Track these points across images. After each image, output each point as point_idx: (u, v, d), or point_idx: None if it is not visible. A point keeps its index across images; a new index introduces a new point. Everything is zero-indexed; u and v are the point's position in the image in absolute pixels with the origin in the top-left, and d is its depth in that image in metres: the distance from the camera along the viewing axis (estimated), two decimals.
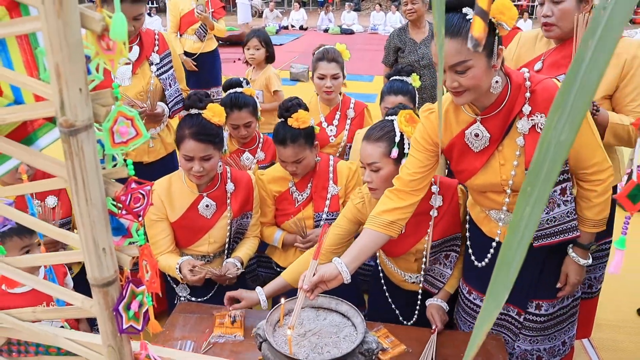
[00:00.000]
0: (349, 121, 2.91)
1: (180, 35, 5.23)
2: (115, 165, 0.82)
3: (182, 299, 2.28)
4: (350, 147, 2.88)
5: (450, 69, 1.52)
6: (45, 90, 0.72)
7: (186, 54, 5.16)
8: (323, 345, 1.65)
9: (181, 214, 2.24)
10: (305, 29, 17.69)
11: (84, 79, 0.69)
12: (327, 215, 2.42)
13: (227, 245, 2.32)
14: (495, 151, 1.71)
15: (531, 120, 1.61)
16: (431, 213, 2.04)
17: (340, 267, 1.71)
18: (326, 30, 16.88)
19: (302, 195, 2.45)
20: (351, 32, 16.45)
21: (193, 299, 2.30)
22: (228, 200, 2.31)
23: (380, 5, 18.20)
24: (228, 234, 2.30)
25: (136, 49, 2.63)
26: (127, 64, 2.60)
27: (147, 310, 0.91)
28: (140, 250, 0.86)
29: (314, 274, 1.70)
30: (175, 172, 2.32)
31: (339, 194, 2.44)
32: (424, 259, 2.09)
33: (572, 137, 0.52)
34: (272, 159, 2.80)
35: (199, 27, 5.08)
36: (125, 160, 0.81)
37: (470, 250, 2.01)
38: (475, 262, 1.94)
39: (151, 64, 2.69)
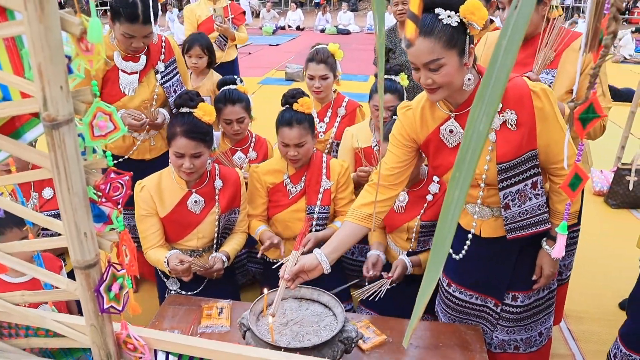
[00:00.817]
0: (338, 119, 2.99)
1: None
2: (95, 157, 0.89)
3: (173, 292, 2.35)
4: (338, 144, 2.94)
5: (424, 66, 1.58)
6: (30, 88, 0.79)
7: None
8: (304, 334, 1.72)
9: (170, 209, 2.31)
10: (302, 29, 17.77)
11: (64, 77, 0.76)
12: (319, 209, 2.50)
13: (215, 240, 2.40)
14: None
15: (502, 116, 1.68)
16: (427, 197, 2.40)
17: (320, 257, 1.80)
18: (323, 31, 16.95)
19: (295, 187, 2.52)
20: (347, 32, 16.53)
21: (183, 292, 2.36)
22: (216, 197, 2.38)
23: None
24: (216, 229, 2.38)
25: (143, 58, 2.67)
26: (134, 73, 2.65)
27: (127, 292, 0.98)
28: (120, 236, 0.93)
29: (295, 264, 1.77)
30: (165, 168, 2.39)
31: (330, 189, 2.52)
32: (413, 239, 2.42)
33: (488, 127, 0.59)
34: (263, 158, 2.86)
35: (219, 36, 4.67)
36: (104, 151, 0.88)
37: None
38: (453, 255, 2.01)
39: (157, 72, 2.74)
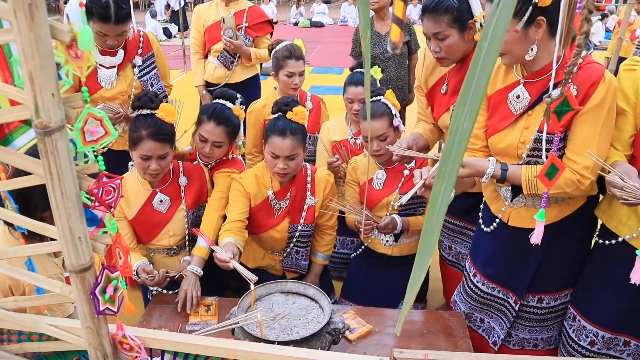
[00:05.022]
0: (307, 112, 2.99)
1: (205, 58, 3.77)
2: (87, 162, 0.90)
3: (155, 292, 2.35)
4: (310, 137, 2.95)
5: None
6: (21, 96, 0.80)
7: (208, 85, 3.76)
8: (292, 327, 1.75)
9: (137, 211, 2.29)
10: (275, 23, 17.64)
11: (55, 84, 0.77)
12: (302, 227, 2.41)
13: (187, 237, 2.39)
14: (525, 114, 1.80)
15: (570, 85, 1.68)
16: (404, 172, 2.45)
17: None
18: (296, 24, 16.90)
19: (280, 204, 2.39)
20: (321, 25, 16.51)
21: (164, 291, 2.37)
22: (182, 194, 2.37)
23: None
24: (186, 226, 2.37)
25: (121, 52, 2.71)
26: (112, 67, 2.69)
27: (122, 293, 1.00)
28: (113, 239, 0.95)
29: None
30: (128, 172, 2.38)
31: (315, 206, 2.42)
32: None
33: (471, 125, 0.62)
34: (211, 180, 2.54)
35: (224, 50, 3.63)
36: (96, 156, 0.89)
37: (480, 221, 2.14)
38: (483, 227, 2.08)
39: (134, 66, 2.78)
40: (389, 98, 2.45)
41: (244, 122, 2.63)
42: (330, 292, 2.62)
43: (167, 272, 2.20)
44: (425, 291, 2.74)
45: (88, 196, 0.89)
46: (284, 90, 2.91)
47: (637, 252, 1.08)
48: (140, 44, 2.80)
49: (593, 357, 1.91)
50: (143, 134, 2.14)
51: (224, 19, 3.51)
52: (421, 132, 2.42)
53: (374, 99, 2.45)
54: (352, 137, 2.82)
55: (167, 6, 16.50)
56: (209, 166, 2.55)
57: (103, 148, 2.83)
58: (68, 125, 0.83)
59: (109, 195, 0.91)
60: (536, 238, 1.30)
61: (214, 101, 2.50)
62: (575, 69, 1.62)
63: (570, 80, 1.63)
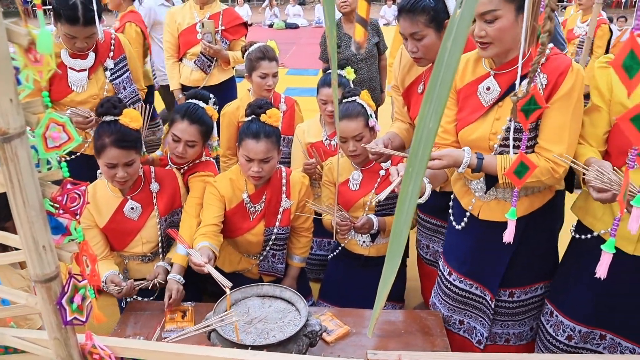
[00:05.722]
0: (281, 114, 2.98)
1: (180, 60, 3.74)
2: (50, 169, 0.88)
3: (130, 299, 2.31)
4: (284, 138, 2.95)
5: (480, 17, 1.63)
6: None
7: (184, 88, 3.70)
8: (269, 331, 1.74)
9: (108, 218, 2.25)
10: (250, 25, 17.58)
11: (13, 90, 0.75)
12: (278, 230, 2.39)
13: (160, 244, 2.35)
14: (495, 105, 1.81)
15: (535, 79, 1.69)
16: (380, 172, 2.45)
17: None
18: (271, 26, 16.86)
19: (255, 207, 2.37)
20: (296, 27, 16.50)
21: (139, 298, 2.33)
22: (154, 200, 2.32)
23: None
24: (159, 232, 2.33)
25: (92, 55, 2.67)
26: (82, 70, 2.64)
27: (90, 302, 0.98)
28: (79, 247, 0.92)
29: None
30: (98, 180, 2.34)
31: (290, 209, 2.41)
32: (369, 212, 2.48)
33: (437, 125, 0.62)
34: (185, 186, 2.50)
35: (201, 53, 3.59)
36: (59, 162, 0.87)
37: (451, 218, 2.14)
38: (454, 225, 2.08)
39: (105, 69, 2.73)
40: (365, 98, 2.45)
41: (218, 123, 2.59)
42: (308, 294, 2.62)
43: (135, 282, 2.16)
44: (402, 291, 2.75)
45: (52, 204, 0.87)
46: (258, 91, 2.90)
47: (602, 247, 1.10)
48: (112, 47, 2.75)
49: (570, 351, 1.94)
50: (107, 141, 2.09)
51: (202, 24, 3.48)
52: (397, 131, 2.44)
53: (350, 99, 2.45)
54: (326, 139, 2.82)
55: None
56: (182, 170, 2.51)
57: (73, 154, 2.77)
58: (29, 132, 0.81)
59: (74, 202, 0.88)
60: (508, 237, 1.31)
61: (187, 101, 2.49)
62: (539, 66, 1.64)
63: (539, 71, 1.66)
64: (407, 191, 0.66)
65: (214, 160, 2.64)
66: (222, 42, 3.60)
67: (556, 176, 1.72)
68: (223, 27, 3.61)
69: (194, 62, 3.62)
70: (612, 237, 1.06)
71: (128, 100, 2.78)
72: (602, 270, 1.10)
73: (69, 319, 0.92)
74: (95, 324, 1.01)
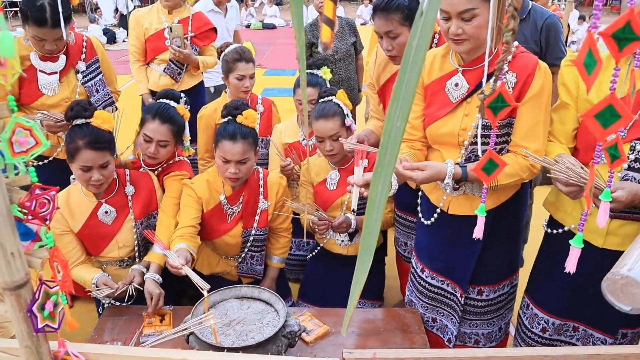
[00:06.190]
0: (258, 115, 2.98)
1: (147, 65, 3.56)
2: (18, 174, 0.86)
3: (106, 304, 2.28)
4: (262, 140, 2.96)
5: (458, 15, 1.62)
6: None
7: (152, 93, 3.45)
8: (248, 332, 1.73)
9: (82, 223, 2.21)
10: None
11: None
12: (256, 231, 2.38)
13: (137, 248, 2.32)
14: (464, 102, 1.83)
15: (503, 77, 1.71)
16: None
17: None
18: (248, 26, 16.80)
19: (233, 209, 2.36)
20: (273, 27, 16.48)
21: (117, 303, 2.30)
22: (129, 204, 2.29)
23: None
24: (135, 236, 2.30)
25: (63, 57, 2.62)
26: (53, 73, 2.59)
27: (62, 309, 0.96)
28: (50, 252, 0.91)
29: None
30: (71, 185, 2.30)
31: (268, 210, 2.41)
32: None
33: (404, 124, 0.63)
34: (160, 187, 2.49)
35: (170, 60, 3.44)
36: (27, 167, 0.86)
37: (420, 215, 2.15)
38: (423, 220, 2.08)
39: (77, 72, 2.69)
40: (341, 98, 2.46)
41: (190, 123, 2.56)
42: (287, 294, 2.61)
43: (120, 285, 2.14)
44: (381, 290, 2.77)
45: (21, 209, 0.86)
46: (235, 93, 2.89)
47: (570, 241, 1.12)
48: (84, 49, 2.71)
49: (545, 343, 1.97)
50: (80, 144, 2.06)
51: (171, 28, 3.34)
52: (373, 128, 2.45)
53: (326, 99, 2.46)
54: (304, 139, 2.82)
55: (116, 10, 16.13)
56: (157, 171, 2.49)
57: (45, 158, 2.72)
58: None
59: (43, 207, 0.87)
60: (478, 232, 1.33)
61: (158, 100, 2.47)
62: (504, 64, 1.66)
63: (507, 69, 1.69)
64: (376, 190, 0.67)
65: (187, 160, 2.62)
66: (192, 49, 3.47)
67: (535, 171, 1.76)
68: (193, 34, 3.46)
69: (164, 69, 3.48)
70: (579, 232, 1.08)
71: (101, 103, 2.75)
72: (571, 264, 1.12)
73: (40, 326, 0.90)
74: (68, 330, 1.00)
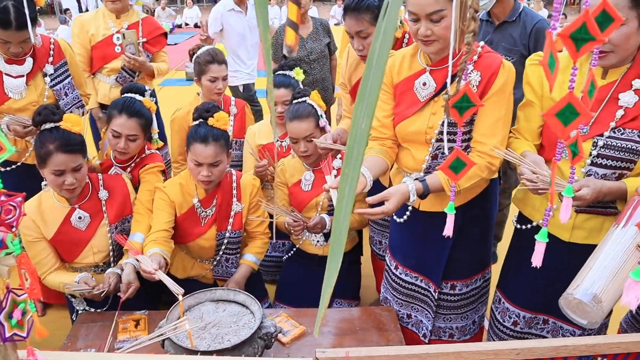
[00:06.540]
0: (232, 117, 2.97)
1: (93, 75, 3.31)
2: None
3: (81, 311, 2.25)
4: (236, 141, 2.96)
5: (427, 17, 1.64)
6: None
7: (102, 107, 3.29)
8: (223, 335, 1.73)
9: (55, 229, 2.18)
10: (199, 27, 17.39)
11: None
12: (230, 234, 2.37)
13: (111, 253, 2.29)
14: (431, 101, 1.85)
15: (468, 77, 1.75)
16: (332, 172, 2.42)
17: (363, 171, 1.77)
18: None
19: (206, 212, 2.34)
20: None
21: (92, 309, 2.27)
22: (104, 208, 2.27)
23: None
24: (110, 241, 2.28)
25: (29, 60, 2.57)
26: (20, 76, 2.54)
27: (31, 317, 0.95)
28: (17, 260, 0.90)
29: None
30: (43, 191, 2.26)
31: (242, 212, 2.39)
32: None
33: (369, 125, 0.64)
34: (136, 183, 2.51)
35: (122, 69, 3.22)
36: None
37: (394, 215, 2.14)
38: (396, 218, 2.09)
39: (45, 75, 2.63)
40: (315, 99, 2.48)
41: (157, 117, 2.56)
42: (264, 296, 2.61)
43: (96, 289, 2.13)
44: (358, 289, 2.79)
45: None
46: (208, 95, 2.88)
47: (535, 237, 1.15)
48: (51, 52, 2.66)
49: (517, 337, 2.01)
50: (51, 148, 2.04)
51: (123, 34, 3.15)
52: (346, 127, 2.46)
53: (300, 100, 2.46)
54: (277, 140, 2.83)
55: (86, 9, 15.87)
56: (130, 167, 2.48)
57: (12, 163, 2.67)
58: None
59: (9, 214, 0.86)
60: (448, 230, 1.35)
61: (123, 95, 2.46)
62: (466, 65, 1.70)
63: (473, 68, 1.74)
64: (344, 191, 0.68)
65: (158, 152, 2.63)
66: (147, 55, 3.29)
67: (493, 169, 1.80)
68: (144, 39, 3.25)
69: (115, 78, 3.23)
70: (544, 227, 1.11)
71: (71, 107, 2.71)
72: (537, 259, 1.15)
73: (7, 335, 0.89)
74: (38, 338, 0.98)
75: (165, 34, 3.43)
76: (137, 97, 2.44)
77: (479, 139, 1.79)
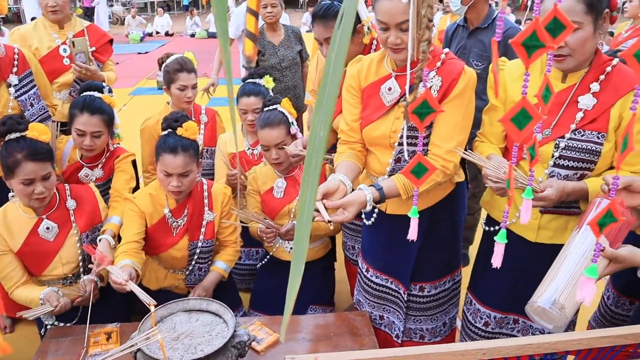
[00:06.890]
0: (202, 126, 2.97)
1: None
2: None
3: (50, 326, 2.21)
4: (207, 150, 2.96)
5: (397, 26, 1.66)
6: None
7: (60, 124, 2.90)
8: (196, 345, 1.72)
9: (22, 241, 2.15)
10: (171, 35, 17.30)
11: None
12: (203, 244, 2.36)
13: (81, 264, 2.26)
14: (396, 105, 1.88)
15: (430, 81, 1.77)
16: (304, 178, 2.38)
17: (340, 177, 1.77)
18: (193, 35, 16.63)
19: (178, 222, 2.32)
20: None
21: (61, 324, 2.23)
22: (72, 218, 2.26)
23: None
24: (79, 251, 2.25)
25: None
26: None
27: None
28: None
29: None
30: (8, 202, 2.23)
31: (214, 221, 2.38)
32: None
33: (327, 133, 0.65)
34: (109, 176, 2.59)
35: (75, 81, 3.01)
36: None
37: (362, 215, 2.17)
38: (365, 221, 2.13)
39: (9, 85, 2.58)
40: (285, 106, 2.49)
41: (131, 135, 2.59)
42: (238, 305, 2.60)
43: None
44: (332, 295, 2.80)
45: None
46: (178, 104, 2.87)
47: (495, 238, 1.18)
48: (15, 62, 2.61)
49: (488, 337, 2.05)
50: (19, 157, 2.02)
51: (73, 43, 2.93)
52: None
53: (271, 107, 2.47)
54: (249, 148, 2.83)
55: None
56: (100, 164, 2.54)
57: None
58: None
59: None
60: (412, 234, 1.38)
61: (82, 94, 2.50)
62: (422, 73, 1.75)
63: (435, 73, 1.78)
64: (305, 198, 0.69)
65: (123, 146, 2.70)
66: (98, 64, 3.09)
67: (447, 172, 1.82)
68: (93, 48, 3.05)
69: (69, 92, 3.01)
70: (503, 229, 1.14)
71: (37, 118, 2.66)
72: (497, 260, 1.19)
73: None
74: (2, 356, 0.97)
75: (111, 41, 3.24)
76: (96, 94, 2.48)
77: (435, 142, 1.83)
